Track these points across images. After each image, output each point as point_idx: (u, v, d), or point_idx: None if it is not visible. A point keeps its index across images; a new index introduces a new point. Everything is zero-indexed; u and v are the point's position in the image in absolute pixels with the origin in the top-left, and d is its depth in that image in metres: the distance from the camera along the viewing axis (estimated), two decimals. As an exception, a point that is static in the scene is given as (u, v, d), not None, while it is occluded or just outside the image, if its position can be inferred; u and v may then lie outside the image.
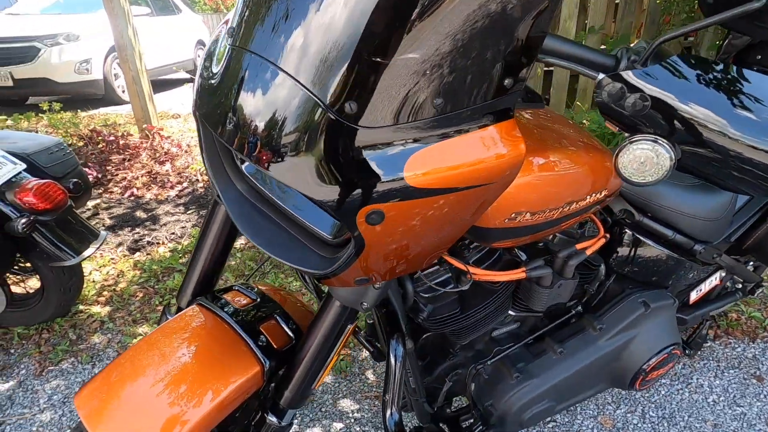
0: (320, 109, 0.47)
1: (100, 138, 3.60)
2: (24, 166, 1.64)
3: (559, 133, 0.76)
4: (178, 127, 4.68)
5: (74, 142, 3.59)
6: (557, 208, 0.72)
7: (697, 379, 1.52)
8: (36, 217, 1.56)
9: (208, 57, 0.60)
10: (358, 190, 0.49)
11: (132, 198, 3.07)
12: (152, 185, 3.22)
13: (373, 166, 0.49)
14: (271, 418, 0.76)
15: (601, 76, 0.56)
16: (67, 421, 1.46)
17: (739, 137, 0.54)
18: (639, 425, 1.41)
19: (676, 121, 0.55)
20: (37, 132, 4.05)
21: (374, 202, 0.50)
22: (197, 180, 3.28)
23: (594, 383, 1.12)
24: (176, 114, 5.34)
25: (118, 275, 2.27)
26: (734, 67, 0.54)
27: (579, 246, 0.89)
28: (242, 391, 0.72)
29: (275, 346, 0.77)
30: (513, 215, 0.68)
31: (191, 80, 8.01)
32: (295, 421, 1.46)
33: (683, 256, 1.10)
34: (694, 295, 1.31)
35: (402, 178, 0.50)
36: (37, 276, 1.79)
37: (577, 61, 0.58)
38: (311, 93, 0.47)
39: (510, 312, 1.03)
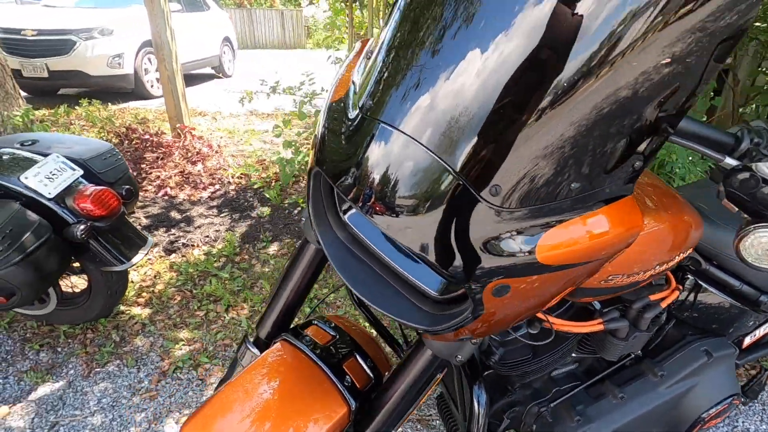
0: (461, 187, 0.48)
1: (135, 136, 3.67)
2: (81, 171, 1.68)
3: (653, 196, 0.77)
4: (207, 126, 4.74)
5: (110, 138, 3.66)
6: (649, 270, 0.73)
7: (743, 422, 1.51)
8: (93, 223, 1.60)
9: (332, 115, 0.61)
10: (491, 266, 0.51)
11: (166, 197, 3.12)
12: (185, 185, 3.27)
13: (509, 244, 0.50)
14: (352, 459, 0.78)
15: (730, 160, 0.57)
16: (118, 426, 1.50)
17: None
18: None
19: None
20: (81, 135, 4.13)
21: (504, 277, 0.51)
22: (229, 182, 3.32)
23: (651, 429, 1.12)
24: (203, 111, 5.41)
25: (155, 276, 2.32)
26: None
27: (653, 297, 0.90)
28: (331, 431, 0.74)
29: (359, 387, 0.79)
30: (609, 278, 0.69)
31: (217, 76, 8.10)
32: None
33: (746, 305, 1.09)
34: (747, 340, 1.31)
35: (534, 256, 0.51)
36: (85, 276, 1.83)
37: (697, 140, 0.59)
38: (454, 172, 0.48)
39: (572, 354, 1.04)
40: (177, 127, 3.82)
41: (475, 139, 0.47)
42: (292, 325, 0.91)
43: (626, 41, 0.43)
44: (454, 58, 0.48)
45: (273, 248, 2.59)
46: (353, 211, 0.70)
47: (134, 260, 1.73)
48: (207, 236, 2.70)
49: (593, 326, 0.84)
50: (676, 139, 0.59)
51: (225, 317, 2.04)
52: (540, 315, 0.81)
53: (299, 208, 2.99)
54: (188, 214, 2.93)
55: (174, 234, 2.70)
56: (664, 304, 0.90)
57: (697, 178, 2.33)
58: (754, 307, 1.09)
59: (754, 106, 2.89)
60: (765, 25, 2.58)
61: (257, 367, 0.78)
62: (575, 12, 0.43)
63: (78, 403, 1.58)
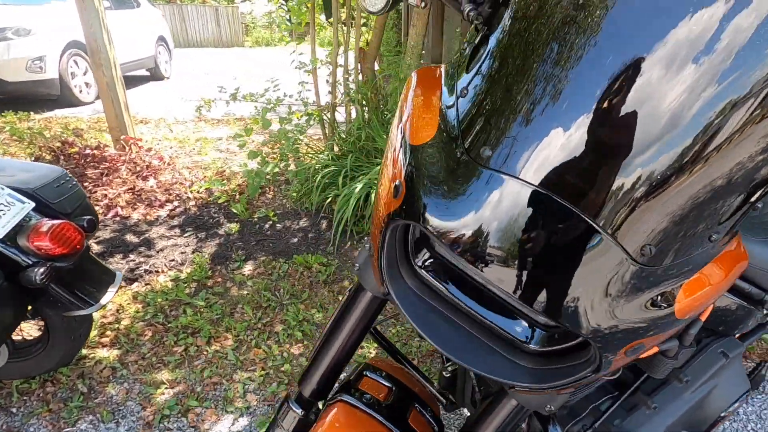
0: (608, 247, 0.44)
1: (72, 150, 3.28)
2: (32, 204, 1.45)
3: None
4: (152, 135, 4.37)
5: (43, 155, 3.24)
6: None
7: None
8: (53, 264, 1.38)
9: (421, 161, 0.54)
10: (631, 326, 0.47)
11: (117, 219, 2.82)
12: (138, 204, 2.98)
13: (652, 301, 0.46)
14: None
15: None
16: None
17: None
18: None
19: None
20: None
21: (643, 337, 0.48)
22: (188, 198, 3.07)
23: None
24: (145, 119, 4.99)
25: (117, 311, 2.08)
26: None
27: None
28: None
29: (429, 442, 0.73)
30: None
31: (153, 78, 7.51)
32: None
33: (753, 305, 1.16)
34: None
35: (672, 310, 0.48)
36: (41, 322, 1.59)
37: None
38: (614, 240, 0.43)
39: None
40: (121, 139, 3.47)
41: (625, 196, 0.43)
42: (339, 381, 0.82)
43: None
44: (592, 101, 0.42)
45: (248, 268, 2.43)
46: (428, 259, 0.64)
47: (103, 301, 1.52)
48: (172, 260, 2.47)
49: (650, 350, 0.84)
50: None
51: (208, 351, 1.87)
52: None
53: (270, 222, 2.84)
54: (147, 236, 2.67)
55: (133, 260, 2.45)
56: (703, 317, 0.92)
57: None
58: (758, 305, 1.16)
59: None
60: None
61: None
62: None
63: (50, 473, 1.37)
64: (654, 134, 0.41)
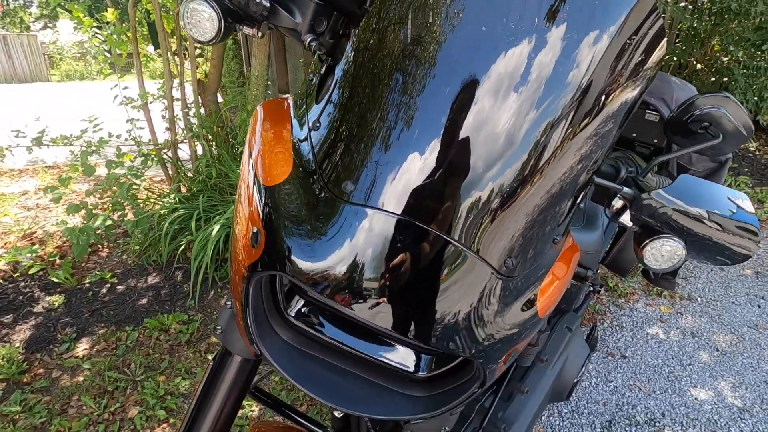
0: (474, 266, 0.45)
1: None
2: None
3: None
4: None
5: None
6: None
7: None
8: None
9: (278, 202, 0.48)
10: (505, 335, 0.48)
11: None
12: None
13: (518, 310, 0.49)
14: None
15: (628, 190, 0.69)
16: None
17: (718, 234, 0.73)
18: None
19: (684, 225, 0.71)
20: None
21: (517, 343, 0.50)
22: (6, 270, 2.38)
23: (545, 406, 1.29)
24: None
25: None
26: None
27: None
28: None
29: None
30: None
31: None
32: None
33: (580, 282, 1.38)
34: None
35: (535, 310, 0.51)
36: None
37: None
38: (478, 257, 0.44)
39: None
40: None
41: (480, 213, 0.45)
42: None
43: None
44: (440, 128, 0.44)
45: (83, 347, 1.97)
46: (302, 307, 0.57)
47: None
48: (-36, 359, 1.85)
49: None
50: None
51: (32, 471, 1.43)
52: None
53: (108, 286, 2.37)
54: None
55: None
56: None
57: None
58: (584, 281, 1.39)
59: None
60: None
61: None
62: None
63: None
64: (495, 154, 0.45)
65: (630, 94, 0.52)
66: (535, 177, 0.47)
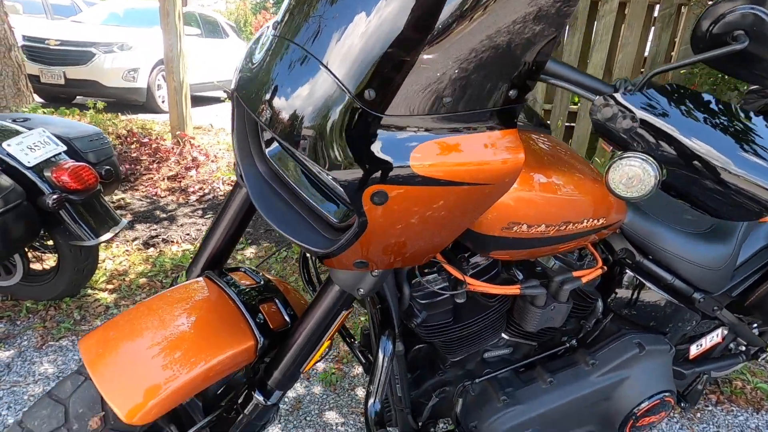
0: (344, 95, 0.53)
1: (135, 139, 3.80)
2: (64, 148, 1.76)
3: (562, 159, 0.81)
4: (209, 140, 4.89)
5: (111, 139, 3.79)
6: (553, 226, 0.76)
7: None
8: (66, 195, 1.65)
9: (253, 45, 0.68)
10: (368, 170, 0.55)
11: (155, 197, 3.19)
12: (175, 188, 3.34)
13: (384, 150, 0.54)
14: (258, 397, 0.78)
15: (596, 98, 0.62)
16: (57, 396, 1.48)
17: (722, 164, 0.58)
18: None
19: (661, 142, 0.60)
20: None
21: (380, 182, 0.55)
22: (219, 188, 3.40)
23: (582, 422, 1.10)
24: (207, 128, 5.60)
25: (129, 266, 2.34)
26: (715, 98, 0.59)
27: (576, 273, 0.92)
28: (233, 362, 0.75)
29: (271, 326, 0.81)
30: (509, 224, 0.72)
31: (229, 98, 8.40)
32: (279, 425, 1.45)
33: (682, 302, 1.10)
34: (694, 350, 1.30)
35: (408, 165, 0.55)
36: (56, 255, 1.86)
37: (579, 85, 0.64)
38: (337, 80, 0.53)
39: (503, 336, 1.04)
40: (177, 135, 3.95)
41: (364, 56, 0.52)
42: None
43: None
44: None
45: (249, 251, 2.62)
46: (275, 144, 0.75)
47: (103, 237, 1.77)
48: (187, 234, 2.73)
49: (510, 289, 0.86)
50: (559, 83, 0.64)
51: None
52: (457, 273, 0.83)
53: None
54: (173, 213, 2.99)
55: (155, 229, 2.75)
56: (585, 280, 0.92)
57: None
58: (689, 304, 1.10)
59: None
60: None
61: (173, 294, 0.79)
62: None
63: (24, 371, 1.57)
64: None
65: None
66: (439, 41, 0.50)
